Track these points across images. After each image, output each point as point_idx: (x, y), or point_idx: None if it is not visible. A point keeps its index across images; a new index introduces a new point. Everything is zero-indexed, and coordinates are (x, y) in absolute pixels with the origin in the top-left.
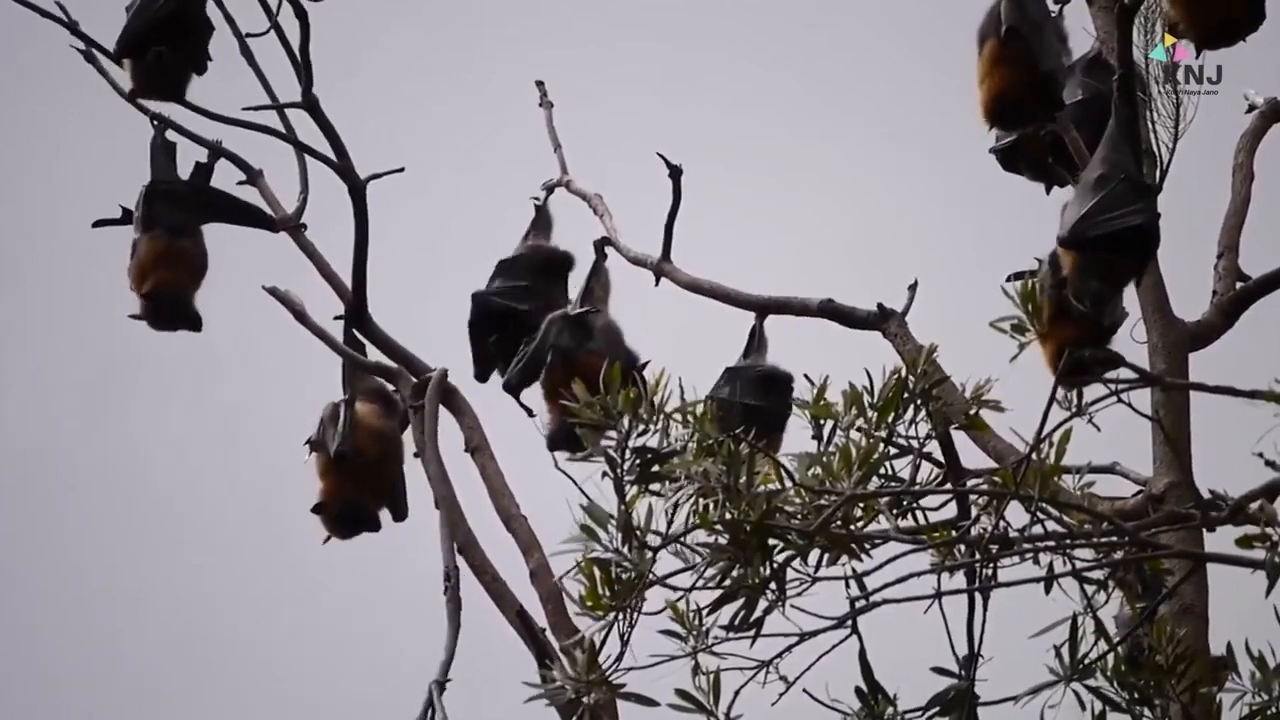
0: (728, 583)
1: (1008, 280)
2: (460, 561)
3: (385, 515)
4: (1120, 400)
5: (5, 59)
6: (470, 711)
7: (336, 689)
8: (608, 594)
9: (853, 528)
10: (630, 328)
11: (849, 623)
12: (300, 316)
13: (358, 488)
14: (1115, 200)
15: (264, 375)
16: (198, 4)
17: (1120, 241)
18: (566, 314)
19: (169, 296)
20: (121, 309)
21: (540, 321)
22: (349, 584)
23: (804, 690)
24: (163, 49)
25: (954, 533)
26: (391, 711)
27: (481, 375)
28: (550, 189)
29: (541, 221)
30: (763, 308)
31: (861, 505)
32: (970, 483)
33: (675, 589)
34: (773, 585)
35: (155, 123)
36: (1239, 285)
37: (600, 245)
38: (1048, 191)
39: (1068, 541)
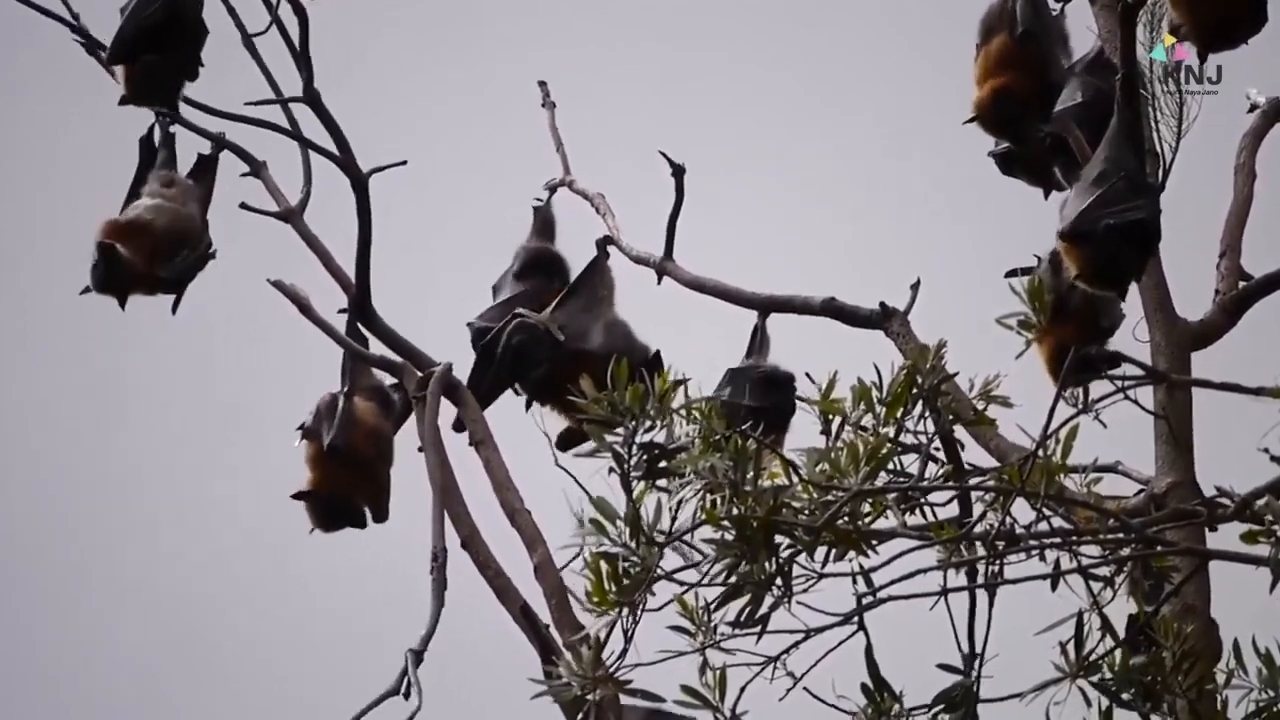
0: (734, 579)
1: (1007, 276)
2: (463, 555)
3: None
4: (1127, 397)
5: (5, 59)
6: (471, 712)
7: (335, 689)
8: (614, 589)
9: (860, 524)
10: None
11: (855, 619)
12: (305, 309)
13: (346, 483)
14: (1116, 195)
15: (266, 368)
16: (191, 9)
17: (1122, 235)
18: (524, 319)
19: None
20: (121, 308)
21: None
22: (348, 582)
23: (805, 689)
24: (154, 56)
25: (961, 529)
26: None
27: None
28: (553, 189)
29: (540, 224)
30: (765, 306)
31: (869, 501)
32: (976, 480)
33: (682, 584)
34: (779, 581)
35: (161, 118)
36: (1241, 284)
37: (603, 244)
38: (1045, 195)
39: (1074, 538)
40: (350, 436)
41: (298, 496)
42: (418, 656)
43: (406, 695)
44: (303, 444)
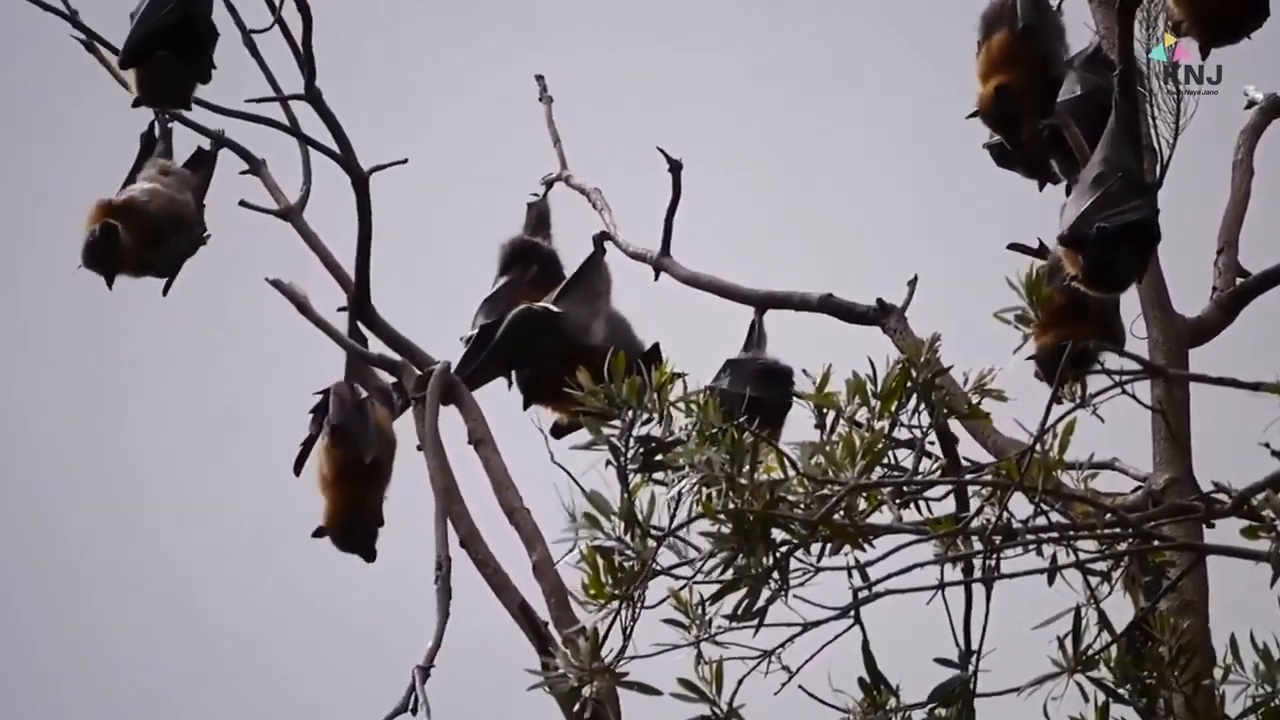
0: (731, 572)
1: (1008, 248)
2: (461, 553)
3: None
4: (1125, 392)
5: (5, 59)
6: (468, 708)
7: (334, 688)
8: (610, 583)
9: (856, 518)
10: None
11: (852, 613)
12: (304, 308)
13: (364, 496)
14: (1114, 197)
15: (265, 367)
16: (202, 12)
17: (1119, 237)
18: (532, 309)
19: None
20: (120, 307)
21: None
22: (348, 582)
23: (800, 687)
24: (166, 53)
25: (957, 523)
26: (385, 702)
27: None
28: (549, 184)
29: (535, 219)
30: (762, 302)
31: (865, 495)
32: (974, 474)
33: (679, 578)
34: (775, 575)
35: (161, 115)
36: (1239, 281)
37: (599, 240)
38: (1040, 189)
39: (1071, 533)
40: (380, 447)
41: (318, 531)
42: (425, 672)
43: (414, 711)
44: (324, 437)
